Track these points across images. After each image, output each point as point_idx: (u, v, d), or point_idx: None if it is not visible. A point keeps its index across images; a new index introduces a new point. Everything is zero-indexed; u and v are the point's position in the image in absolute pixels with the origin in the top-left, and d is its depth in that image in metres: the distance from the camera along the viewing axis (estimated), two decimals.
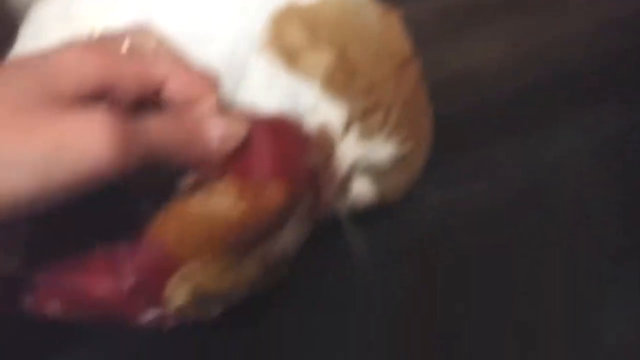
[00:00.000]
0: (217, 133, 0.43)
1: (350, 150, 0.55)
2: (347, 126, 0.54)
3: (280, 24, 0.55)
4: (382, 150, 0.55)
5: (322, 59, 0.54)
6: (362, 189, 0.56)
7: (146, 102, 0.43)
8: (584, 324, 0.55)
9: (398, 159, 0.55)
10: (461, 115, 0.67)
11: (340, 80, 0.54)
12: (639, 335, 0.54)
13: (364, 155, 0.55)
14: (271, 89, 0.55)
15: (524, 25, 0.75)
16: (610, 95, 0.68)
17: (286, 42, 0.55)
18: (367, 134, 0.54)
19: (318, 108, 0.54)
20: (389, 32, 0.57)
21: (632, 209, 0.61)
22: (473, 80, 0.70)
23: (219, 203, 0.45)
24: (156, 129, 0.39)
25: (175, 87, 0.43)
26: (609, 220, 0.60)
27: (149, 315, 0.45)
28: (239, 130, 0.44)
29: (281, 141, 0.45)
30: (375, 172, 0.56)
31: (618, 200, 0.62)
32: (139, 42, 0.43)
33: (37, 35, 0.62)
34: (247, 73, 0.56)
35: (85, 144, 0.34)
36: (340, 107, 0.54)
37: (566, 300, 0.56)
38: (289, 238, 0.49)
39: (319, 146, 0.53)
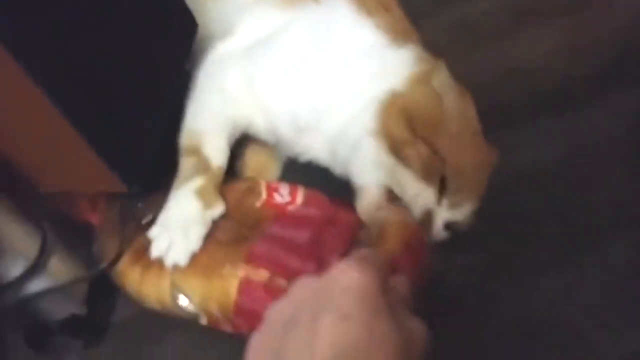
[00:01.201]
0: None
1: (442, 217, 0.63)
2: (440, 201, 0.62)
3: (385, 114, 0.63)
4: (465, 210, 0.63)
5: (419, 153, 0.61)
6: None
7: None
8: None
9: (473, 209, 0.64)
10: (519, 100, 0.78)
11: (433, 170, 0.61)
12: None
13: (450, 218, 0.63)
14: (378, 167, 0.63)
15: (572, 24, 0.85)
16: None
17: (390, 133, 0.62)
18: (454, 205, 0.62)
19: (419, 194, 0.62)
20: (465, 110, 0.63)
21: None
22: (528, 72, 0.81)
23: None
24: None
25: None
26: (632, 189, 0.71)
27: None
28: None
29: (416, 261, 0.56)
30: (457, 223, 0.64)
31: None
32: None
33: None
34: (359, 150, 0.64)
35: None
36: (434, 189, 0.62)
37: None
38: None
39: (425, 225, 0.62)
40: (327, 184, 0.70)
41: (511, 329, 0.62)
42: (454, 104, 0.63)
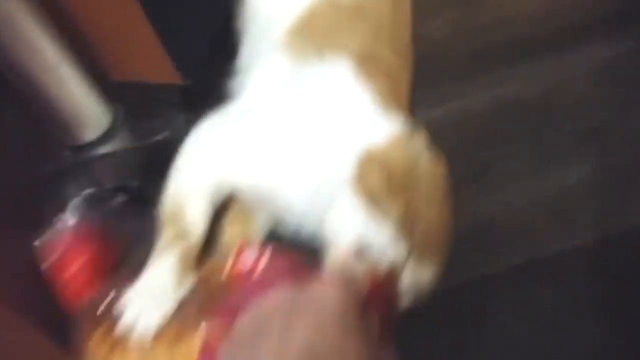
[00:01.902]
0: None
1: (407, 276, 0.63)
2: (408, 258, 0.63)
3: (363, 168, 0.64)
4: (430, 271, 0.64)
5: (396, 209, 0.62)
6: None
7: None
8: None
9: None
10: (502, 44, 0.89)
11: (407, 227, 0.62)
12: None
13: (415, 278, 0.64)
14: (353, 218, 0.63)
15: None
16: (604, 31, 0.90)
17: (368, 186, 0.63)
18: (419, 266, 0.63)
19: (390, 247, 0.62)
20: (437, 176, 0.65)
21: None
22: (509, 23, 0.92)
23: None
24: None
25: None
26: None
27: None
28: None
29: (385, 301, 0.59)
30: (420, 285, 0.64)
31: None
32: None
33: None
34: (336, 201, 0.64)
35: None
36: (405, 246, 0.62)
37: None
38: None
39: (392, 278, 0.62)
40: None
41: None
42: (429, 168, 0.65)
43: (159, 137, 0.81)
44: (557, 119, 0.84)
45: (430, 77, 0.81)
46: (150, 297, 0.65)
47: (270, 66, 0.75)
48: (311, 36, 0.75)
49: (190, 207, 0.70)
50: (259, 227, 0.77)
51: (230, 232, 0.76)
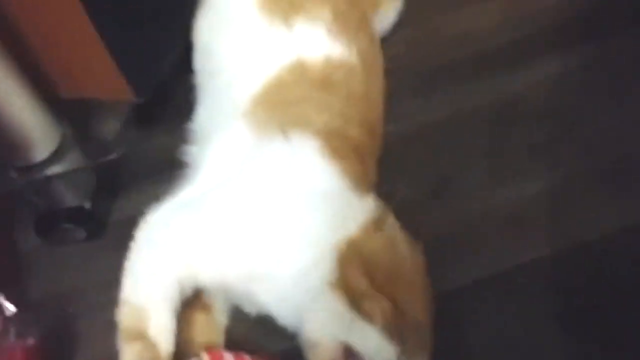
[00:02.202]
0: None
1: None
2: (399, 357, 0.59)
3: (344, 267, 0.60)
4: None
5: (381, 308, 0.58)
6: None
7: None
8: None
9: None
10: (456, 61, 0.92)
11: (395, 327, 0.58)
12: None
13: None
14: (336, 320, 0.59)
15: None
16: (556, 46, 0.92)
17: (350, 285, 0.59)
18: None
19: (379, 353, 0.58)
20: (414, 256, 0.63)
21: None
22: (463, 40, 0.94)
23: None
24: None
25: None
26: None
27: None
28: None
29: None
30: None
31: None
32: None
33: None
34: (316, 302, 0.60)
35: None
36: (394, 349, 0.58)
37: None
38: None
39: None
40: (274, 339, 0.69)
41: None
42: (405, 250, 0.63)
43: (112, 156, 0.78)
44: (515, 132, 0.85)
45: (386, 93, 0.81)
46: None
47: (231, 139, 0.69)
48: (277, 108, 0.70)
49: (153, 320, 0.61)
50: (223, 322, 0.73)
51: (198, 327, 0.70)
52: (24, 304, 0.68)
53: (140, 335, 0.61)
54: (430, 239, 0.68)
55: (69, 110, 0.78)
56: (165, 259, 0.64)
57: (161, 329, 0.62)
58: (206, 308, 0.71)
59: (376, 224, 0.63)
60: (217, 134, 0.71)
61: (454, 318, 0.73)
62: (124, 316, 0.63)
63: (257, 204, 0.65)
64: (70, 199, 0.79)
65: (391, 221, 0.64)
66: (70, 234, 0.81)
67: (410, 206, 0.80)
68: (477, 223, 0.79)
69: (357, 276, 0.60)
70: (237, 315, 0.73)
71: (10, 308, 0.66)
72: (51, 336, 0.68)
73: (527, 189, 0.81)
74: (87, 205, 0.79)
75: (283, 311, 0.64)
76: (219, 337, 0.72)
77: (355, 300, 0.59)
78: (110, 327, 0.63)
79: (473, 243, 0.78)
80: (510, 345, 0.70)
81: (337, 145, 0.68)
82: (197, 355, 0.64)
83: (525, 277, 0.75)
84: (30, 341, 0.64)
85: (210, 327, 0.71)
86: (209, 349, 0.66)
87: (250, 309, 0.70)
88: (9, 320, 0.65)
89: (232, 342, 0.70)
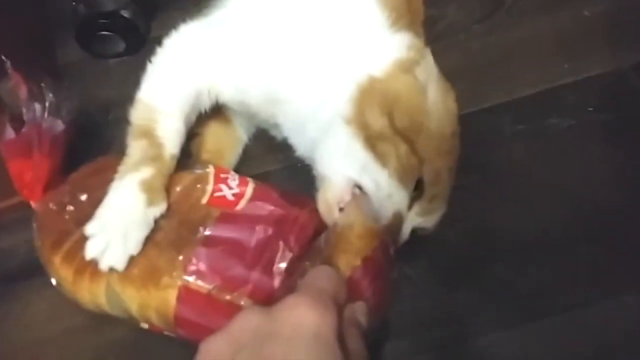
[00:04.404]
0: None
1: (411, 222, 0.58)
2: (412, 205, 0.57)
3: (363, 103, 0.56)
4: (436, 216, 0.59)
5: (397, 151, 0.55)
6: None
7: None
8: None
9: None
10: None
11: (410, 173, 0.56)
12: None
13: (420, 224, 0.59)
14: (348, 157, 0.56)
15: None
16: None
17: (367, 123, 0.56)
18: (426, 212, 0.58)
19: (391, 195, 0.56)
20: (448, 108, 0.58)
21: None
22: None
23: None
24: None
25: None
26: None
27: None
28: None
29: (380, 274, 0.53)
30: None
31: None
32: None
33: None
34: (330, 136, 0.58)
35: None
36: (409, 192, 0.56)
37: None
38: None
39: (392, 230, 0.56)
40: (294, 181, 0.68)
41: None
42: (438, 99, 0.58)
43: None
44: None
45: None
46: (116, 228, 0.56)
47: None
48: None
49: (163, 122, 0.61)
50: (241, 139, 0.73)
51: (213, 139, 0.70)
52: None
53: (149, 134, 0.61)
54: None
55: None
56: (187, 67, 0.63)
57: (169, 130, 0.61)
58: (226, 122, 0.72)
59: (406, 65, 0.58)
60: None
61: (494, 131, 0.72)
62: (136, 114, 0.62)
63: (282, 28, 0.62)
64: (109, 4, 0.78)
65: (427, 64, 0.58)
66: (109, 45, 0.81)
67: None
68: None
69: (375, 114, 0.56)
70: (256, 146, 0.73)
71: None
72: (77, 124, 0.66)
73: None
74: (125, 12, 0.79)
75: (301, 140, 0.63)
76: (233, 152, 0.72)
77: (370, 140, 0.56)
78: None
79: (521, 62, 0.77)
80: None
81: None
82: (204, 164, 0.64)
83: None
84: (59, 125, 0.63)
85: (226, 141, 0.72)
86: (218, 165, 0.65)
87: (271, 131, 0.69)
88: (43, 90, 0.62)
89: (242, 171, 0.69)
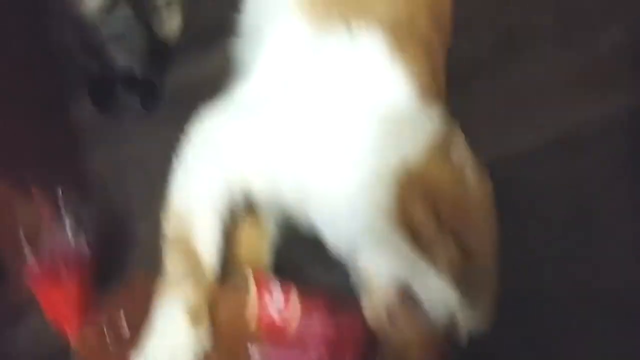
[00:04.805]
0: None
1: (465, 322, 0.54)
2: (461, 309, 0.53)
3: (404, 198, 0.53)
4: (484, 311, 0.55)
5: (448, 254, 0.53)
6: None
7: None
8: None
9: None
10: None
11: (459, 270, 0.53)
12: None
13: (473, 321, 0.54)
14: (395, 262, 0.54)
15: None
16: None
17: (412, 219, 0.53)
18: (474, 305, 0.54)
19: (443, 297, 0.53)
20: (485, 191, 0.56)
21: None
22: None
23: None
24: None
25: None
26: None
27: None
28: None
29: None
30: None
31: None
32: None
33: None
34: (371, 233, 0.54)
35: None
36: (458, 295, 0.53)
37: None
38: None
39: (450, 333, 0.53)
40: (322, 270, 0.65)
41: None
42: (476, 184, 0.56)
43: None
44: None
45: None
46: (164, 356, 0.55)
47: (286, 34, 0.63)
48: None
49: (198, 228, 0.58)
50: (274, 237, 0.68)
51: (246, 241, 0.66)
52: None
53: (184, 244, 0.58)
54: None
55: None
56: (216, 162, 0.60)
57: (206, 237, 0.59)
58: (257, 226, 0.67)
59: (442, 149, 0.56)
60: (269, 27, 0.65)
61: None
62: (169, 224, 0.60)
63: (315, 112, 0.59)
64: (122, 60, 0.76)
65: (458, 141, 0.56)
66: (124, 102, 0.80)
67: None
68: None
69: (421, 211, 0.53)
70: (287, 240, 0.68)
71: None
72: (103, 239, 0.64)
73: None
74: (139, 69, 0.77)
75: (335, 235, 0.59)
76: (266, 256, 0.67)
77: (417, 237, 0.53)
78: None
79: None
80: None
81: (403, 37, 0.61)
82: (243, 273, 0.61)
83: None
84: (85, 250, 0.61)
85: (258, 245, 0.67)
86: (256, 270, 0.62)
87: (304, 227, 0.64)
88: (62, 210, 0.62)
89: (278, 268, 0.67)
